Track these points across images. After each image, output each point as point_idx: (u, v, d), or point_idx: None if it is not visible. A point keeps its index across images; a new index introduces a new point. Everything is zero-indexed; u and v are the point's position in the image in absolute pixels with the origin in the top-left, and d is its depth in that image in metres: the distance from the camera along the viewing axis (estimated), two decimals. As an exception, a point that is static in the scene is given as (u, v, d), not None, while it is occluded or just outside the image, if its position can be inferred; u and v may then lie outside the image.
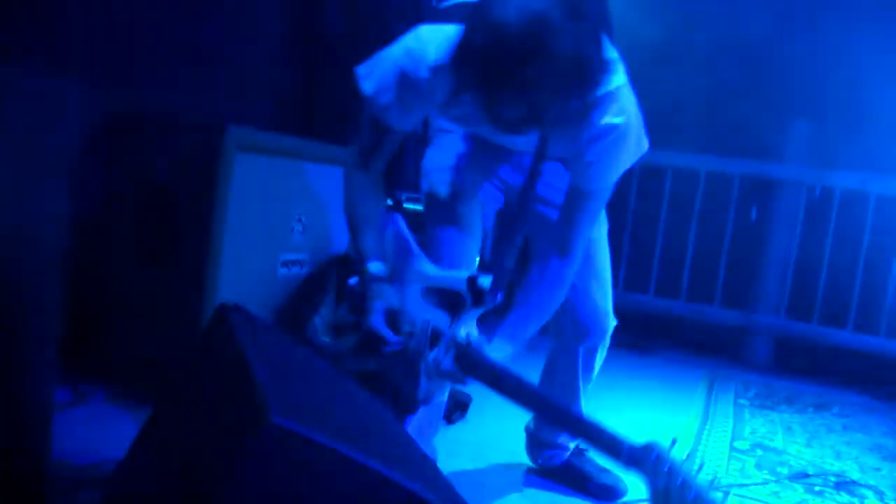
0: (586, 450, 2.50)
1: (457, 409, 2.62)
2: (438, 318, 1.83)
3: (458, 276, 1.83)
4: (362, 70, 1.85)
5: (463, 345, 1.75)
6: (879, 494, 2.98)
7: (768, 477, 2.92)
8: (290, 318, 2.80)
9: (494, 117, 1.54)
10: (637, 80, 1.81)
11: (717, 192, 4.66)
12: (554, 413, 1.80)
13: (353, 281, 1.93)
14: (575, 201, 1.87)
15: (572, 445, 2.52)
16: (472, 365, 1.75)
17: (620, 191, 2.00)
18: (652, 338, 4.63)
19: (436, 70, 1.73)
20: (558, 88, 1.48)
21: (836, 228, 4.48)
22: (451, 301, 1.83)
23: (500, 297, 1.82)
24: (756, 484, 2.83)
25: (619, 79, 1.75)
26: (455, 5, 1.79)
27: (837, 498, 2.84)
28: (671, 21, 4.60)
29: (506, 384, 1.72)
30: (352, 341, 2.00)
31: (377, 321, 1.83)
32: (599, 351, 2.33)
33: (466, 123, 2.00)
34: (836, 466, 3.16)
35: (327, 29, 3.63)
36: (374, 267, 1.86)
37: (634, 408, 3.54)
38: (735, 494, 2.71)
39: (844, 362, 4.37)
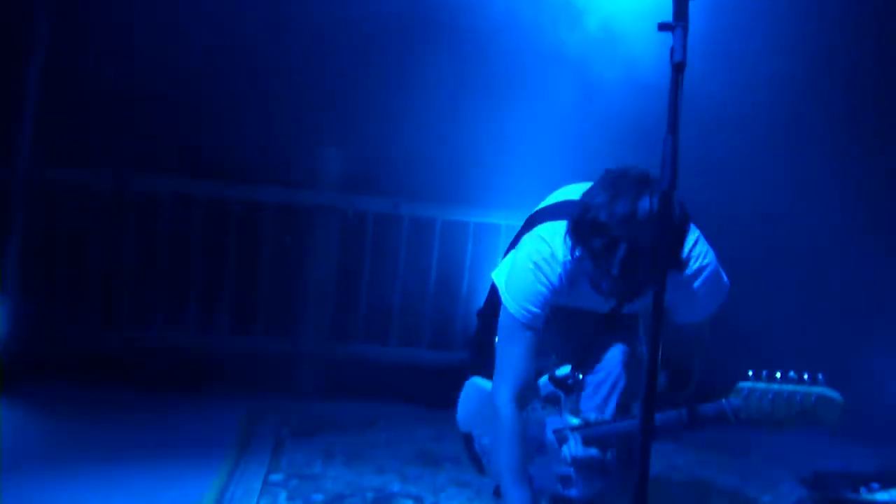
0: None
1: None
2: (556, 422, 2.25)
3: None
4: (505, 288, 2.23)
5: (581, 425, 2.20)
6: (419, 501, 3.00)
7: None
8: None
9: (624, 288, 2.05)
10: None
11: (247, 221, 4.49)
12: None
13: None
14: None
15: None
16: (598, 437, 2.13)
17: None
18: (189, 376, 4.26)
19: (566, 267, 2.17)
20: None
21: (373, 250, 4.55)
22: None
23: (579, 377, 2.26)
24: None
25: (693, 233, 2.18)
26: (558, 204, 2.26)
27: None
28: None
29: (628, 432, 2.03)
30: None
31: None
32: None
33: (574, 300, 2.27)
34: (377, 481, 3.13)
35: None
36: None
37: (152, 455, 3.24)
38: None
39: (391, 377, 4.42)
